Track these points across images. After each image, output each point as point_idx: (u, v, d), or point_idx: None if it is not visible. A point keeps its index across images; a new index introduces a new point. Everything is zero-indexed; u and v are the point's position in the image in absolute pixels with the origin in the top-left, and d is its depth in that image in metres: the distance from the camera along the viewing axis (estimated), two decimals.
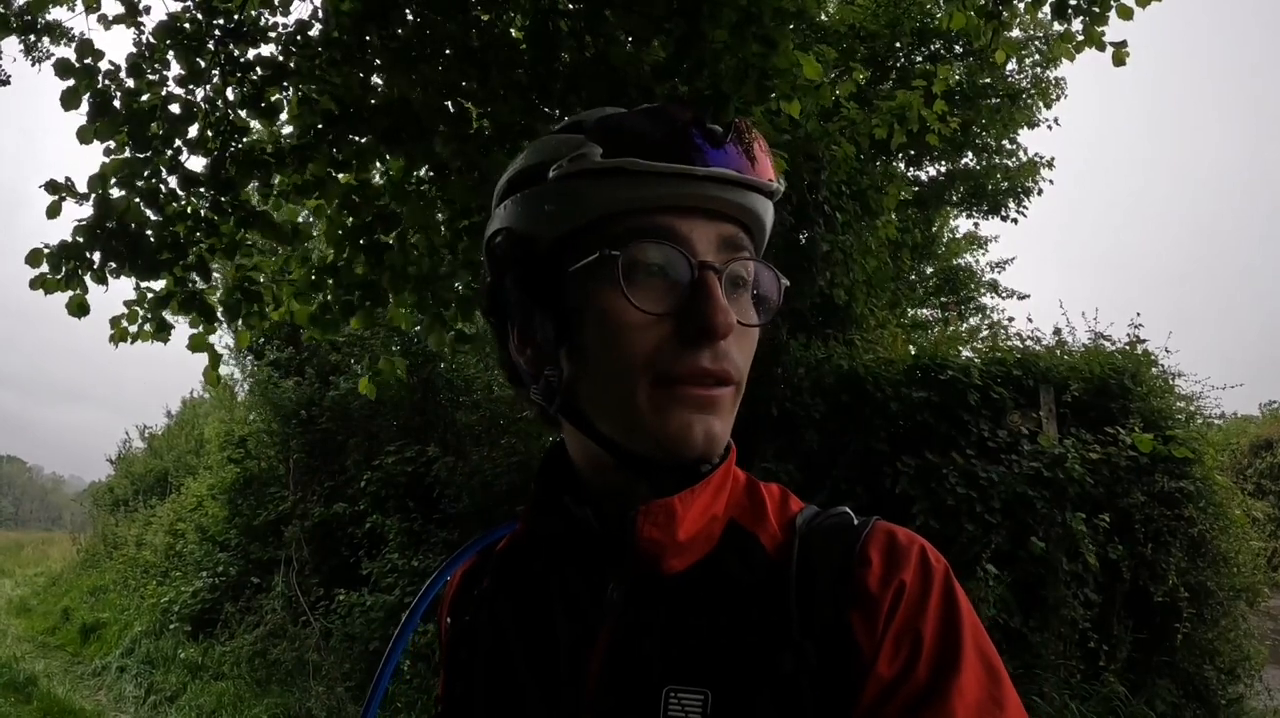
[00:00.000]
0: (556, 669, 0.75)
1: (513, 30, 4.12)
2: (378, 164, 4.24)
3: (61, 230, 3.90)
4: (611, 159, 0.70)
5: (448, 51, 3.81)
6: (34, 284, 3.75)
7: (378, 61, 3.87)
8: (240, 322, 4.21)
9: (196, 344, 4.11)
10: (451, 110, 3.88)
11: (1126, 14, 4.25)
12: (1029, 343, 6.17)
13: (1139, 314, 6.06)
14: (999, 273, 12.79)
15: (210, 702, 6.91)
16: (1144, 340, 5.97)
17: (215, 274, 4.51)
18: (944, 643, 0.65)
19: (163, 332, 4.12)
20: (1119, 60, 4.42)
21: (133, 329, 4.09)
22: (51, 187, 3.75)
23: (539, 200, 0.75)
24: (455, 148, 3.70)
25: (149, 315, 4.07)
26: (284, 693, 6.74)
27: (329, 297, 4.19)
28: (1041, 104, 9.99)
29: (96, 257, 3.77)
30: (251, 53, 4.04)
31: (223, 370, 4.38)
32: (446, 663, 0.90)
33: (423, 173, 4.22)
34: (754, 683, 0.67)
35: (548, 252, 0.74)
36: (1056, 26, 5.38)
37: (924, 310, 11.78)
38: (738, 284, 0.74)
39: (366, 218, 4.06)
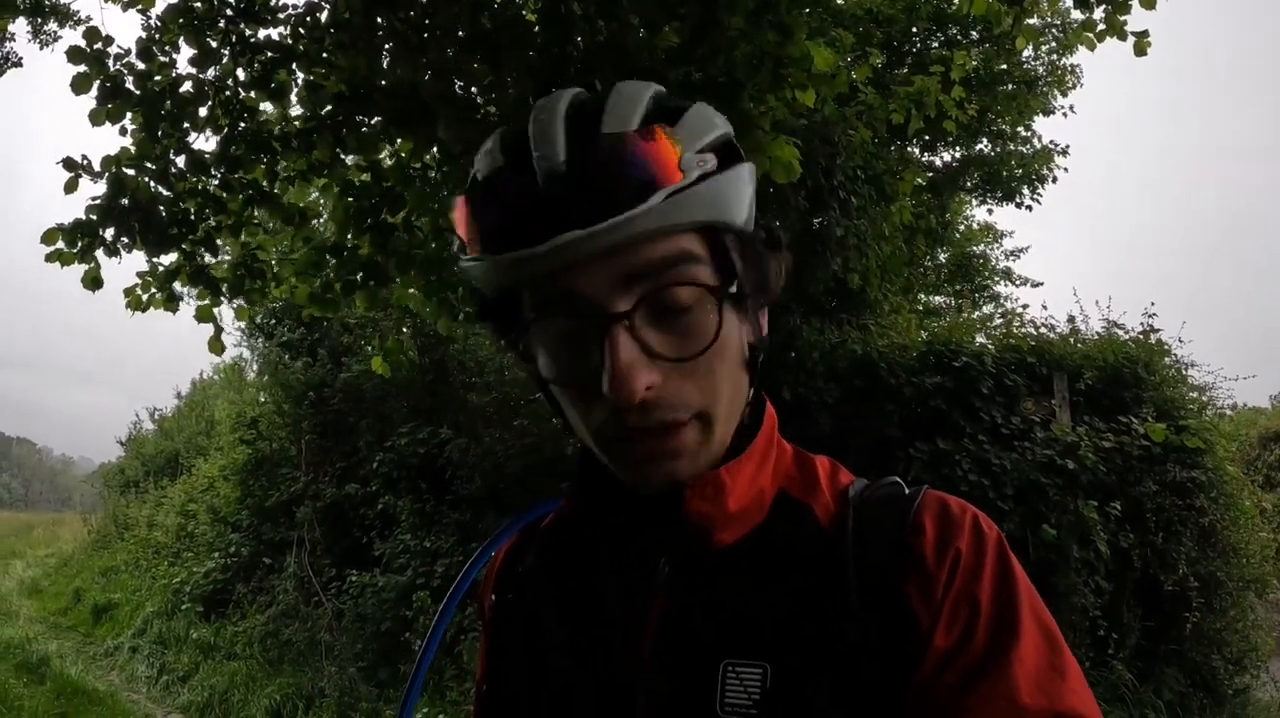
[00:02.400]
0: (606, 646, 0.74)
1: (525, 14, 4.12)
2: (386, 147, 4.28)
3: (59, 210, 4.02)
4: (473, 258, 0.68)
5: (460, 34, 3.82)
6: (49, 259, 3.88)
7: (387, 46, 3.89)
8: (242, 297, 4.38)
9: (203, 315, 4.27)
10: (459, 94, 3.90)
11: (1149, 3, 4.21)
12: (1043, 330, 6.15)
13: (1153, 304, 6.06)
14: (1013, 261, 12.76)
15: (222, 682, 6.96)
16: (1158, 330, 5.97)
17: (222, 251, 4.61)
18: (1001, 611, 0.65)
19: (172, 302, 4.29)
20: (1140, 50, 4.37)
21: (145, 298, 4.25)
22: (68, 164, 3.84)
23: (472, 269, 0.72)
24: (456, 133, 3.71)
25: (160, 287, 4.23)
26: (296, 673, 6.78)
27: (331, 276, 4.26)
28: (1057, 91, 9.93)
29: (109, 233, 3.91)
30: (262, 33, 4.08)
31: (233, 351, 4.55)
32: (489, 642, 0.89)
33: (428, 158, 4.25)
34: (814, 656, 0.66)
35: (492, 306, 0.74)
36: (1077, 14, 5.33)
37: (937, 298, 11.75)
38: (671, 310, 0.67)
39: (373, 198, 4.11)
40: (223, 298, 4.33)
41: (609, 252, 0.64)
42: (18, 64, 7.08)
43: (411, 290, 4.39)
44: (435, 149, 4.03)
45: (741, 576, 0.72)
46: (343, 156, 4.11)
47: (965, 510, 0.71)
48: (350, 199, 4.09)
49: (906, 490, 0.74)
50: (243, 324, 10.13)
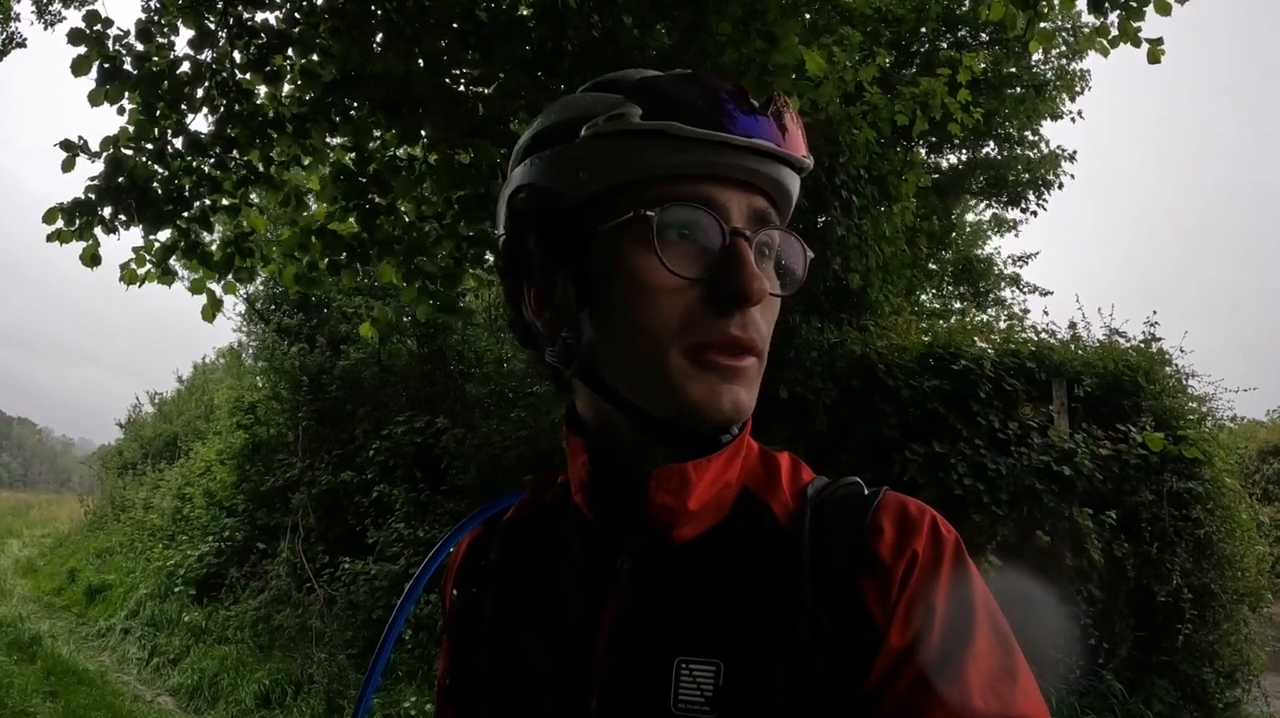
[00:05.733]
0: (565, 641, 0.74)
1: (521, 8, 4.14)
2: (374, 134, 4.36)
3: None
4: (653, 121, 0.68)
5: (454, 25, 3.85)
6: (50, 238, 3.97)
7: (380, 35, 3.93)
8: (231, 275, 4.49)
9: (196, 288, 4.42)
10: (449, 87, 3.95)
11: (1165, 9, 4.16)
12: (1044, 336, 6.12)
13: (1155, 312, 6.02)
14: (1021, 267, 12.68)
15: (213, 665, 6.97)
16: (1159, 339, 5.94)
17: (216, 228, 4.70)
18: (957, 613, 0.65)
19: (167, 276, 4.39)
20: (1154, 58, 4.33)
21: (141, 272, 4.35)
22: (66, 145, 3.92)
23: (569, 158, 0.72)
24: (442, 133, 3.81)
25: (157, 262, 4.33)
26: (286, 659, 6.78)
27: (316, 256, 4.36)
28: (1066, 96, 9.87)
29: (107, 211, 4.00)
30: (259, 16, 4.14)
31: (232, 336, 4.71)
32: (451, 636, 0.88)
33: (415, 149, 4.35)
34: (767, 654, 0.66)
35: (575, 210, 0.72)
36: (1087, 18, 5.29)
37: (938, 303, 11.67)
38: (764, 254, 0.72)
39: (361, 179, 4.19)
40: (215, 274, 4.43)
41: (747, 185, 0.71)
42: (21, 44, 7.07)
43: (391, 268, 4.47)
44: (424, 140, 4.10)
45: (698, 572, 0.72)
46: (332, 141, 4.20)
47: (924, 513, 0.71)
48: (341, 180, 4.16)
49: (866, 491, 0.73)
50: (241, 309, 10.15)
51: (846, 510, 0.71)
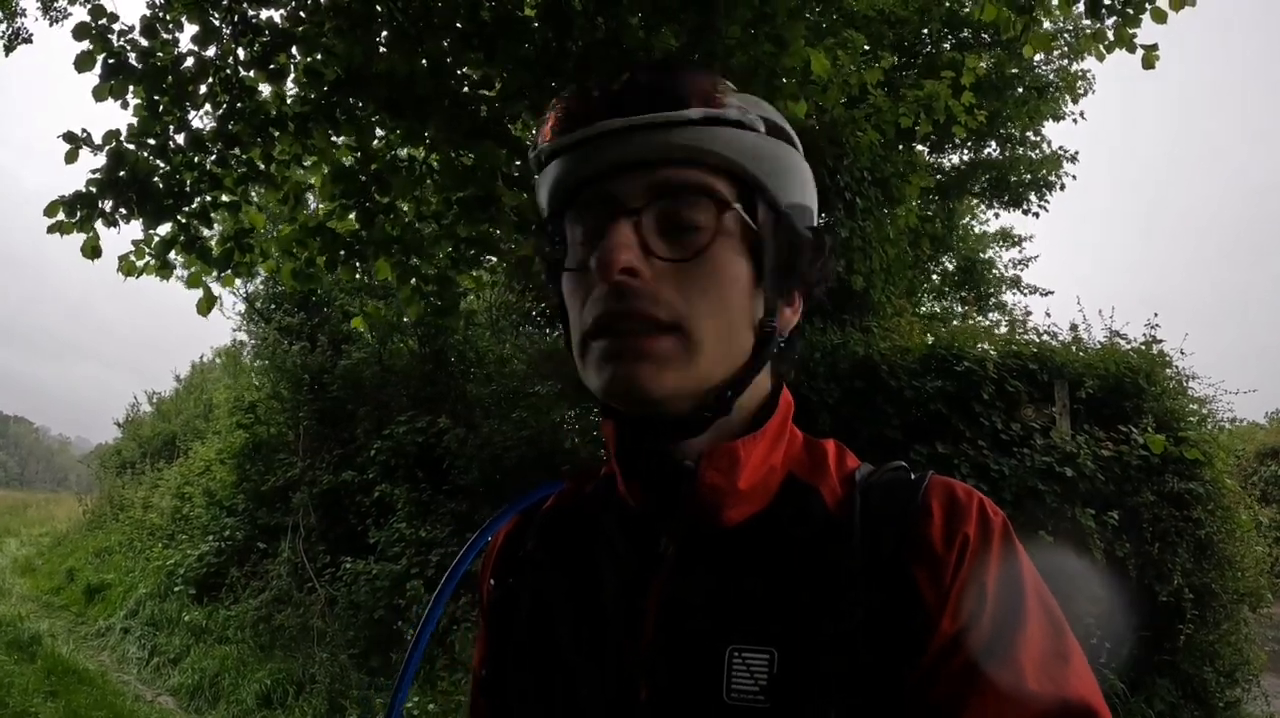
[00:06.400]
0: (602, 631, 0.73)
1: (525, 8, 4.16)
2: (377, 134, 4.41)
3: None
4: (543, 144, 0.74)
5: (458, 26, 3.86)
6: (51, 229, 4.01)
7: (384, 34, 3.96)
8: (231, 269, 4.56)
9: (193, 281, 4.46)
10: (453, 88, 3.98)
11: (1160, 17, 4.18)
12: (1046, 338, 6.14)
13: (1156, 314, 6.02)
14: (1022, 269, 12.66)
15: (213, 665, 6.96)
16: (1160, 341, 5.95)
17: (215, 224, 4.76)
18: (1008, 596, 0.65)
19: (165, 269, 4.44)
20: (1149, 64, 4.36)
21: (140, 264, 4.38)
22: (69, 138, 3.97)
23: (539, 181, 0.78)
24: (446, 134, 3.84)
25: (156, 255, 4.37)
26: (287, 658, 6.77)
27: (315, 253, 4.42)
28: (1068, 97, 9.86)
29: (108, 204, 4.04)
30: (263, 14, 4.16)
31: (229, 337, 4.76)
32: (488, 627, 0.87)
33: (417, 150, 4.39)
34: (822, 641, 0.65)
35: (548, 226, 0.79)
36: (1087, 21, 5.31)
37: (939, 306, 11.64)
38: (681, 226, 0.69)
39: (362, 178, 4.23)
40: (214, 269, 4.48)
41: (646, 164, 0.69)
42: (28, 40, 7.07)
43: (387, 263, 4.51)
44: (426, 140, 4.12)
45: (745, 557, 0.71)
46: (335, 139, 4.23)
47: (971, 496, 0.70)
48: (341, 180, 4.19)
49: (912, 475, 0.73)
50: (241, 309, 10.14)
51: (893, 495, 0.71)
